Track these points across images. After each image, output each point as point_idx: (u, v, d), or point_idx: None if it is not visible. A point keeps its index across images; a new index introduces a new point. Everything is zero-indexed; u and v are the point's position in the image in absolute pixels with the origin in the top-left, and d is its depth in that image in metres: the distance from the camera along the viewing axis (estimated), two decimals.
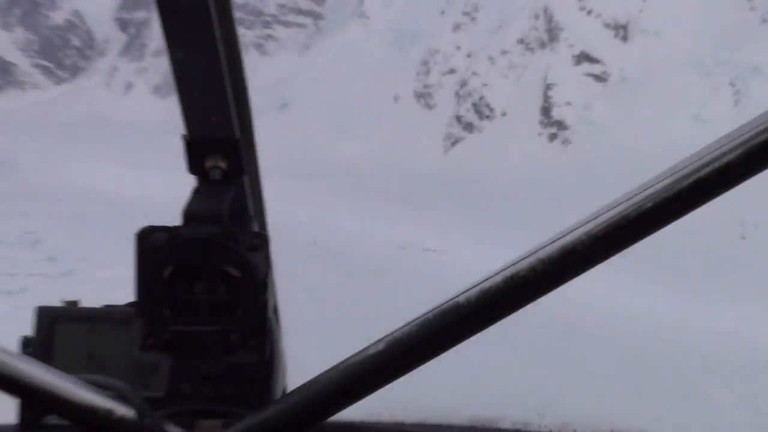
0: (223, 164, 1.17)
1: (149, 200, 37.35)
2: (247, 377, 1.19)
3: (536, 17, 71.19)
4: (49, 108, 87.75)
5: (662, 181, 0.95)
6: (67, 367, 1.11)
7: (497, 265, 0.96)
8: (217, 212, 1.10)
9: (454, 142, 67.75)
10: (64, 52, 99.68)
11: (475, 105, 69.20)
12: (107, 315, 1.35)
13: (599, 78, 69.63)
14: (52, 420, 1.21)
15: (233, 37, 1.20)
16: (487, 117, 68.40)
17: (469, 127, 68.64)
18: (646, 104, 67.11)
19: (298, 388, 1.06)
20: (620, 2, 72.49)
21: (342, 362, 1.02)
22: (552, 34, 70.49)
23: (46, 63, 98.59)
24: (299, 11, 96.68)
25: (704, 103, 66.55)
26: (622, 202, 0.96)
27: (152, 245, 1.08)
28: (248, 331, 1.10)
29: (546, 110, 67.73)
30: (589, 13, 71.49)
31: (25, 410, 1.23)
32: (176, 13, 1.10)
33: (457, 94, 71.43)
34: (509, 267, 0.97)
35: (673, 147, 46.83)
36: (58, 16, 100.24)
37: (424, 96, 73.31)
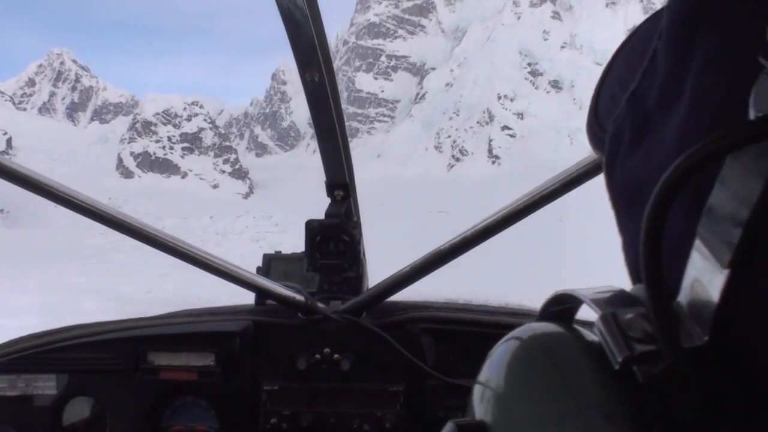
0: (341, 192, 2.27)
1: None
2: (352, 282, 2.31)
3: (483, 112, 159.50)
4: (281, 162, 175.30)
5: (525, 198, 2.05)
6: (275, 279, 2.32)
7: None
8: (339, 213, 2.24)
9: (452, 166, 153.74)
10: (288, 137, 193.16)
11: (460, 150, 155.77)
12: (292, 256, 2.46)
13: (512, 136, 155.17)
14: (269, 302, 2.30)
15: (341, 117, 2.16)
16: (465, 155, 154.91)
17: (458, 160, 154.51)
18: (532, 145, 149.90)
19: (371, 288, 2.30)
20: (519, 104, 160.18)
21: (384, 279, 2.24)
22: (490, 118, 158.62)
23: (280, 143, 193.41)
24: (384, 115, 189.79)
25: (557, 144, 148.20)
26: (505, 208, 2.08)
27: (312, 227, 2.26)
28: (351, 262, 2.29)
29: (490, 150, 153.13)
30: (506, 108, 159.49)
31: (257, 298, 2.31)
32: (316, 106, 2.05)
33: (452, 146, 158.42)
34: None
35: (543, 162, 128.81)
36: (285, 123, 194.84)
37: (437, 147, 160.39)
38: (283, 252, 2.54)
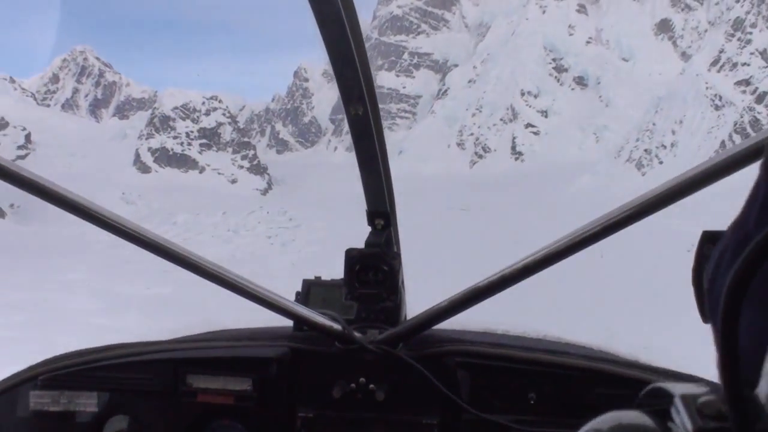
0: (381, 221, 2.35)
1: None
2: (389, 312, 2.35)
3: (506, 109, 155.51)
4: (301, 159, 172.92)
5: (562, 239, 2.04)
6: (314, 305, 2.39)
7: None
8: (379, 243, 2.31)
9: (474, 163, 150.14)
10: (309, 133, 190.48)
11: (482, 147, 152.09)
12: (331, 283, 2.47)
13: (536, 133, 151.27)
14: (305, 329, 2.36)
15: (384, 148, 2.20)
16: (488, 152, 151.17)
17: (480, 156, 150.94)
18: (557, 144, 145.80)
19: (410, 319, 2.35)
20: (543, 100, 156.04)
21: (425, 310, 2.26)
22: (514, 115, 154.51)
23: (301, 140, 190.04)
24: (406, 111, 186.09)
25: (582, 142, 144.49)
26: (548, 246, 2.07)
27: (351, 255, 2.32)
28: (390, 292, 2.32)
29: (513, 148, 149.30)
30: (530, 106, 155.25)
31: (296, 324, 2.37)
32: (359, 137, 2.12)
33: (474, 143, 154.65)
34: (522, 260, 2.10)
35: (569, 162, 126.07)
36: (305, 119, 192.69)
37: (460, 144, 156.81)
38: (322, 277, 2.56)
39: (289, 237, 77.09)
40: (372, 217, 2.36)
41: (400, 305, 2.41)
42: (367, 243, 2.32)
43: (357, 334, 2.29)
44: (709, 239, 0.70)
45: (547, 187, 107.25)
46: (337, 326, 2.26)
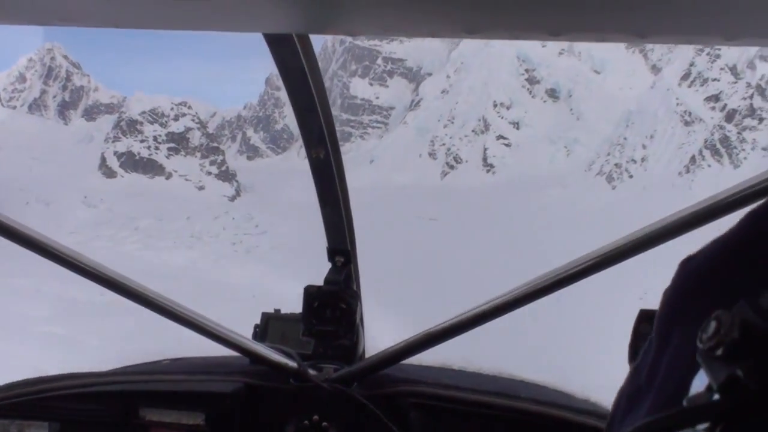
0: (341, 258, 2.37)
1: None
2: (346, 349, 2.37)
3: (479, 120, 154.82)
4: (272, 166, 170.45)
5: (546, 276, 2.02)
6: (272, 339, 2.48)
7: None
8: (338, 281, 2.32)
9: (445, 174, 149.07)
10: (281, 140, 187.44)
11: (454, 158, 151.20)
12: (290, 317, 2.53)
13: (507, 145, 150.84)
14: (259, 366, 2.35)
15: (345, 189, 2.28)
16: (459, 163, 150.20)
17: (451, 167, 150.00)
18: (528, 157, 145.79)
19: (366, 358, 2.41)
20: (515, 112, 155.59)
21: (383, 350, 2.30)
22: (486, 127, 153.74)
23: (272, 146, 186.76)
24: (378, 122, 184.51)
25: (553, 155, 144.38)
26: (530, 282, 2.03)
27: (310, 292, 2.34)
28: (346, 330, 2.35)
29: (485, 159, 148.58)
30: (501, 117, 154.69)
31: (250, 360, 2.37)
32: (320, 179, 2.21)
33: (446, 154, 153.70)
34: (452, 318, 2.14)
35: (540, 174, 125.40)
36: (278, 126, 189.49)
37: (431, 155, 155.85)
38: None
39: (253, 243, 75.63)
40: (332, 254, 2.38)
41: (357, 343, 2.43)
42: (326, 280, 2.35)
43: (312, 372, 2.31)
44: (645, 318, 0.73)
45: (518, 199, 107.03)
46: (292, 363, 2.29)
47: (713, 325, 0.53)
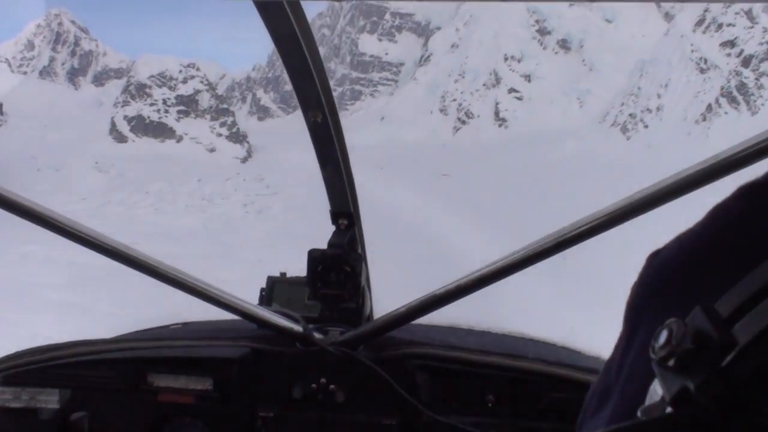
0: (345, 222, 2.38)
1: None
2: (351, 313, 2.42)
3: (489, 74, 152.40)
4: (283, 126, 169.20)
5: (529, 246, 2.04)
6: (278, 303, 2.50)
7: None
8: (342, 243, 2.36)
9: (457, 129, 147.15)
10: (290, 100, 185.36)
11: (465, 113, 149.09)
12: (296, 280, 2.56)
13: (519, 99, 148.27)
14: (266, 331, 2.38)
15: (345, 152, 2.28)
16: (471, 118, 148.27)
17: (463, 122, 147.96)
18: (541, 110, 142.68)
19: (371, 321, 2.44)
20: (526, 65, 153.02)
21: (388, 312, 2.31)
22: (497, 80, 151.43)
23: (283, 105, 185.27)
24: (388, 79, 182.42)
25: (567, 107, 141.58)
26: (514, 252, 2.06)
27: (314, 256, 2.35)
28: (351, 293, 2.36)
29: (497, 114, 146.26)
30: (513, 71, 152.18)
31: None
32: (319, 143, 2.22)
33: (457, 109, 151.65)
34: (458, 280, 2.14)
35: (554, 127, 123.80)
36: (288, 87, 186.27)
37: (443, 111, 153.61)
38: (288, 273, 2.65)
39: (265, 204, 75.01)
40: (335, 217, 2.42)
41: (363, 306, 2.47)
42: (330, 243, 2.39)
43: (318, 335, 2.36)
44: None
45: (532, 153, 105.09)
46: (297, 328, 2.33)
47: (665, 334, 0.51)
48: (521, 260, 2.04)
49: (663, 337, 0.51)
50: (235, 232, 61.26)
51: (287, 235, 54.04)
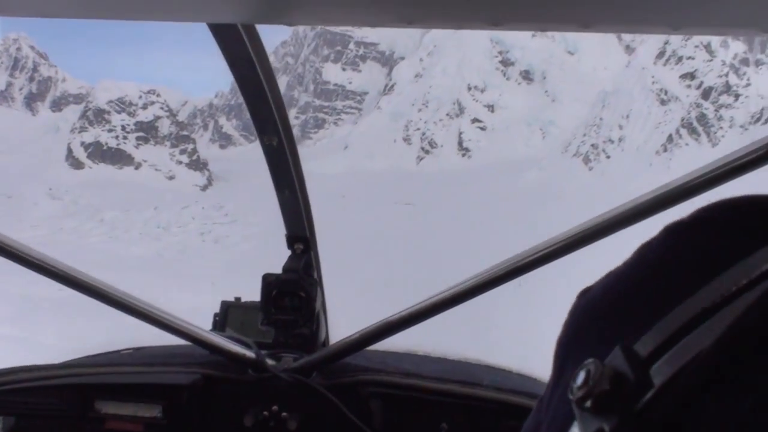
0: (301, 246, 2.37)
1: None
2: (306, 339, 2.40)
3: (453, 104, 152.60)
4: (246, 154, 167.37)
5: (482, 273, 2.03)
6: (232, 329, 2.50)
7: None
8: (297, 268, 2.33)
9: (421, 159, 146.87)
10: (253, 128, 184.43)
11: (429, 143, 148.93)
12: (251, 305, 2.54)
13: (482, 128, 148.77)
14: (219, 356, 2.33)
15: (301, 176, 2.24)
16: (434, 148, 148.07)
17: (427, 152, 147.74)
18: (504, 140, 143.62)
19: (325, 347, 2.45)
20: (489, 95, 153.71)
21: (344, 338, 2.31)
22: (461, 110, 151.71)
23: (245, 133, 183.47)
24: (352, 108, 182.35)
25: (529, 138, 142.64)
26: (466, 280, 2.05)
27: (268, 281, 2.33)
28: (306, 319, 2.35)
29: (460, 143, 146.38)
30: (476, 101, 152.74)
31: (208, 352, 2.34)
32: (275, 167, 2.17)
33: (421, 138, 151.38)
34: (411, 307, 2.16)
35: (517, 158, 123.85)
36: None
37: (406, 140, 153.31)
38: (242, 298, 2.62)
39: (223, 233, 73.21)
40: (291, 241, 2.39)
41: (317, 332, 2.46)
42: (285, 268, 2.36)
43: (271, 362, 2.32)
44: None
45: (494, 183, 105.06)
46: (250, 353, 2.29)
47: (583, 374, 0.51)
48: (478, 285, 2.04)
49: (581, 377, 0.51)
50: (190, 260, 59.44)
51: (244, 263, 52.49)
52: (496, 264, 2.02)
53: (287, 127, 2.10)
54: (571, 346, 0.61)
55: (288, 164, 2.15)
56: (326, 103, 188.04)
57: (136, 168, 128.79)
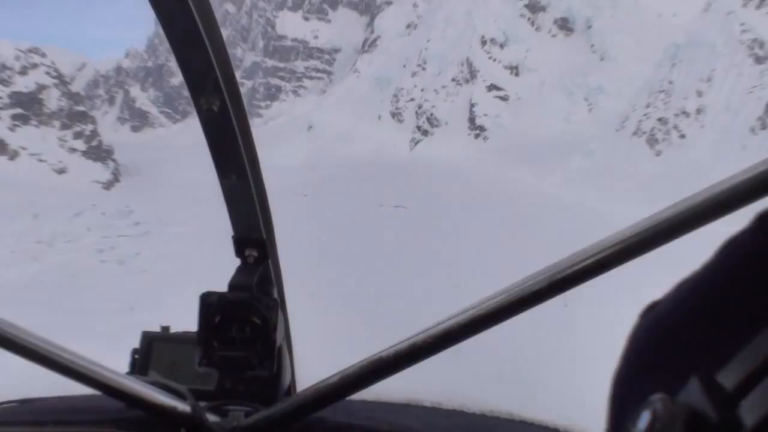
0: (255, 253, 2.33)
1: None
2: (263, 384, 2.36)
3: (461, 65, 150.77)
4: (167, 138, 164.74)
5: (499, 295, 1.91)
6: (158, 371, 2.45)
7: None
8: (249, 284, 2.27)
9: (416, 142, 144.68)
10: (178, 102, 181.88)
11: (428, 119, 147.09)
12: (184, 337, 2.51)
13: (503, 98, 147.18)
14: (139, 412, 2.25)
15: (253, 153, 2.29)
16: (436, 126, 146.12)
17: (425, 132, 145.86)
18: (533, 113, 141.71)
19: (290, 396, 2.39)
20: (512, 52, 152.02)
21: (317, 383, 2.18)
22: (472, 74, 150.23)
23: (167, 110, 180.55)
24: (318, 70, 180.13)
25: (570, 110, 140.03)
26: (475, 306, 1.93)
27: (209, 303, 2.25)
28: (263, 356, 2.25)
29: (472, 120, 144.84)
30: (494, 60, 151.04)
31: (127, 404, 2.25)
32: (217, 141, 2.17)
33: (416, 113, 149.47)
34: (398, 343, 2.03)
35: (551, 139, 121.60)
36: (175, 80, 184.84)
37: (396, 115, 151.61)
38: (171, 328, 2.54)
39: (131, 250, 70.70)
40: (241, 246, 2.31)
41: (279, 375, 2.37)
42: (233, 284, 2.26)
43: (213, 418, 2.24)
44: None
45: (521, 177, 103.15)
46: (184, 406, 2.21)
47: (647, 415, 0.52)
48: (504, 307, 1.89)
49: (645, 419, 0.53)
50: (83, 290, 57.05)
51: (162, 292, 50.12)
52: (529, 276, 1.87)
53: (233, 86, 2.03)
54: (632, 380, 0.63)
55: (235, 137, 2.10)
56: (282, 65, 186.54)
57: (11, 158, 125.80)
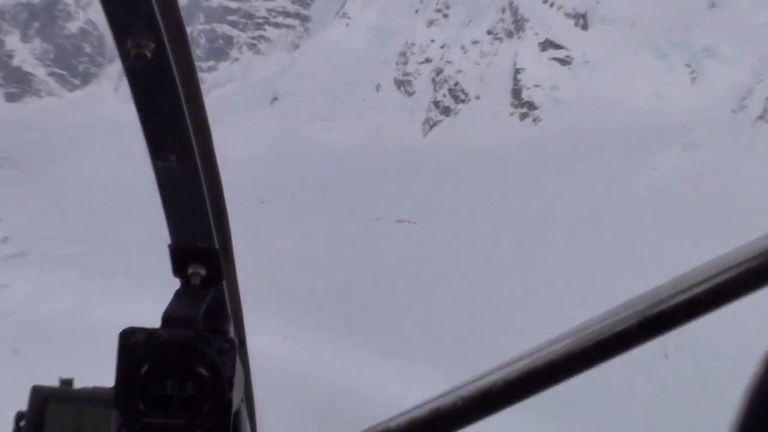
0: (202, 271, 2.31)
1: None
2: None
3: (503, 11, 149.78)
4: (58, 112, 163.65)
5: (566, 338, 1.94)
6: None
7: None
8: (192, 317, 2.23)
9: (433, 125, 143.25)
10: (77, 60, 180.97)
11: (450, 90, 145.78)
12: (94, 396, 2.66)
13: (564, 61, 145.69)
14: None
15: (210, 150, 2.40)
16: (462, 101, 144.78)
17: (446, 111, 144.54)
18: (608, 84, 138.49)
19: None
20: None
21: None
22: (518, 24, 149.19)
23: (60, 71, 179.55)
24: (288, 14, 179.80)
25: (663, 81, 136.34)
26: (532, 353, 1.96)
27: (132, 345, 2.19)
28: (213, 424, 2.18)
29: (516, 92, 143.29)
30: (551, 5, 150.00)
31: None
32: (157, 126, 2.17)
33: (433, 81, 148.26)
34: (434, 400, 2.06)
35: (635, 122, 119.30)
36: (73, 26, 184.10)
37: (403, 84, 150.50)
38: (75, 381, 2.60)
39: None
40: (181, 260, 2.29)
41: None
42: (168, 317, 2.21)
43: None
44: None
45: (591, 176, 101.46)
46: None
47: None
48: (573, 355, 1.92)
49: None
50: None
51: (46, 348, 48.89)
52: (608, 312, 1.90)
53: (176, 21, 2.00)
54: (758, 426, 0.74)
55: (177, 97, 2.06)
56: (234, 5, 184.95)
57: None
